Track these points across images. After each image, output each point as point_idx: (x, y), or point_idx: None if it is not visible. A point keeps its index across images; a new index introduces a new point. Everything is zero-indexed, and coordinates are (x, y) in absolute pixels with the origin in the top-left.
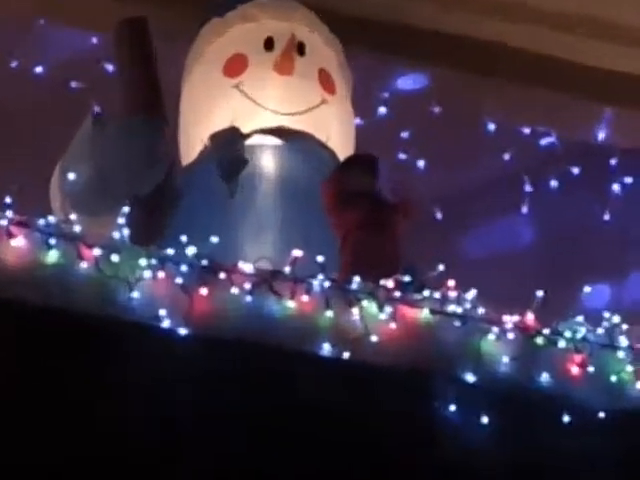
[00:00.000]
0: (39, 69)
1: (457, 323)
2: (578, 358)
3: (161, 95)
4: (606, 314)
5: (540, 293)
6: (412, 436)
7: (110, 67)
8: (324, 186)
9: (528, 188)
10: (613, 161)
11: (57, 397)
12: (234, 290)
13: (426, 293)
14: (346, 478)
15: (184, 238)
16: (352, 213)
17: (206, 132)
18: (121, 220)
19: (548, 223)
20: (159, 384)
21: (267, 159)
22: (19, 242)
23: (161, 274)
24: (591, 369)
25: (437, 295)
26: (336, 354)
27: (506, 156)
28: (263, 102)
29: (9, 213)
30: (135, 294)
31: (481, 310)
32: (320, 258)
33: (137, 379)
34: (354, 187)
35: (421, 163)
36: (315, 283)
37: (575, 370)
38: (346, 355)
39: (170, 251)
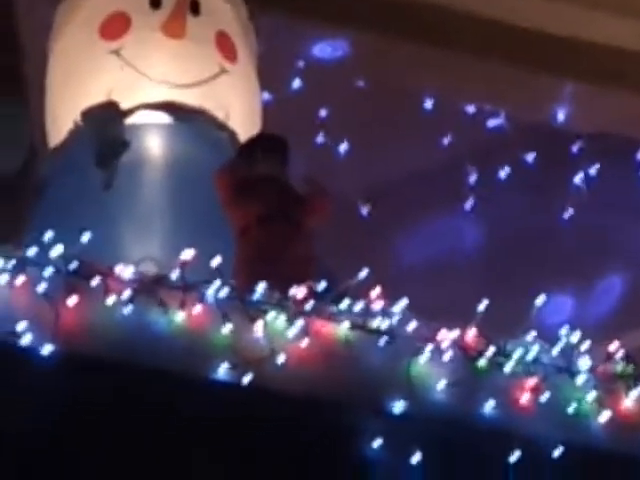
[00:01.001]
0: None
1: (383, 341)
2: (529, 383)
3: (21, 65)
4: (564, 331)
5: (484, 305)
6: (326, 479)
7: None
8: (219, 173)
9: (472, 179)
10: (575, 147)
11: None
12: (110, 300)
13: (345, 304)
14: None
15: (49, 236)
16: (253, 205)
17: (78, 108)
18: None
19: (496, 221)
20: (16, 414)
21: (152, 140)
22: None
23: (20, 280)
24: (545, 397)
25: (359, 307)
26: (234, 379)
27: (446, 140)
28: (148, 71)
29: None
30: None
31: (412, 325)
32: (216, 260)
33: None
34: (256, 174)
35: (343, 147)
36: (210, 292)
37: (526, 398)
38: (246, 380)
39: (32, 251)
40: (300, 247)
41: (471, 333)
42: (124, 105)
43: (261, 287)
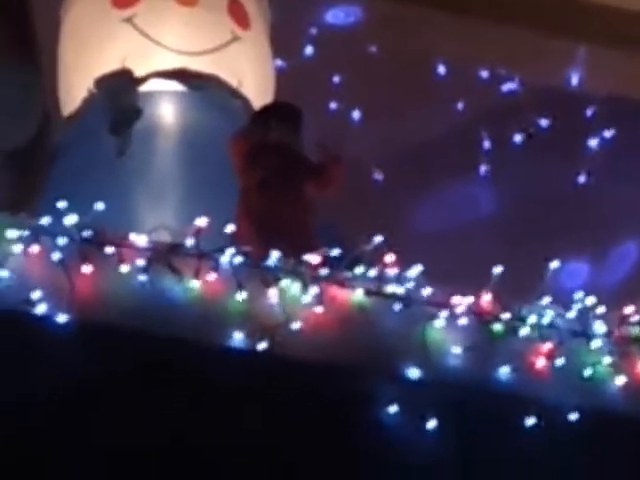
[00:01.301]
0: None
1: (398, 307)
2: (545, 348)
3: (34, 33)
4: (579, 295)
5: (499, 270)
6: (342, 446)
7: None
8: (233, 141)
9: (487, 144)
10: (589, 111)
11: None
12: (124, 268)
13: (360, 270)
14: None
15: (63, 204)
16: (256, 169)
17: (91, 76)
18: None
19: (510, 187)
20: (32, 383)
21: (166, 108)
22: None
23: (35, 249)
24: (560, 361)
25: (373, 273)
26: (249, 345)
27: (460, 105)
28: (161, 38)
29: None
30: (3, 273)
31: (427, 291)
32: (230, 228)
33: (6, 376)
34: (269, 141)
35: (356, 114)
36: (224, 259)
37: (541, 363)
38: (262, 347)
39: (46, 220)
40: (295, 214)
41: (486, 298)
42: (137, 73)
43: (275, 254)
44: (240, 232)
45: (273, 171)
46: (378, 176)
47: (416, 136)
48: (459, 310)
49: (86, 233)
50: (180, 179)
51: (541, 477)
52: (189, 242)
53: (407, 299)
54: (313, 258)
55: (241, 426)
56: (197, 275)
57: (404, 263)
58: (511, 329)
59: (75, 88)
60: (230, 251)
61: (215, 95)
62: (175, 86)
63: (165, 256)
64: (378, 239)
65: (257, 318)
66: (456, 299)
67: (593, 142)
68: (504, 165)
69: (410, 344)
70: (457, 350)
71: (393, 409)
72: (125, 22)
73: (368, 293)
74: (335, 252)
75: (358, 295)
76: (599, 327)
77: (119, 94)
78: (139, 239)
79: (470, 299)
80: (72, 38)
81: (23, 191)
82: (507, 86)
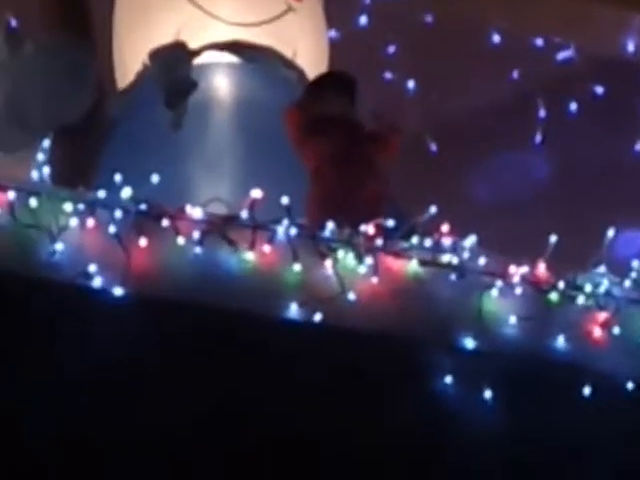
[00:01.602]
0: None
1: (453, 277)
2: (601, 317)
3: (88, 7)
4: (635, 263)
5: (554, 239)
6: (401, 416)
7: None
8: (288, 112)
9: (542, 113)
10: None
11: None
12: (180, 240)
13: (415, 240)
14: (321, 468)
15: (118, 178)
16: (322, 144)
17: (145, 48)
18: (40, 156)
19: (566, 155)
20: (91, 355)
21: (220, 80)
22: None
23: (90, 222)
24: (617, 330)
25: (428, 243)
26: (306, 316)
27: (515, 74)
28: (215, 10)
29: None
30: (58, 246)
31: (482, 260)
32: (285, 199)
33: (64, 350)
34: (325, 112)
35: (411, 84)
36: (279, 230)
37: (598, 332)
38: (318, 318)
39: (101, 194)
40: (372, 186)
41: (541, 267)
42: (192, 45)
43: (330, 225)
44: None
45: (343, 144)
46: (433, 146)
47: (471, 106)
48: (514, 279)
49: (142, 206)
50: (235, 151)
51: (597, 447)
52: (244, 214)
53: (462, 269)
54: (368, 229)
55: (297, 396)
56: (252, 247)
57: (459, 233)
58: (567, 298)
59: (129, 61)
60: (285, 222)
61: (270, 66)
62: (229, 58)
63: (220, 228)
64: (433, 209)
65: (313, 289)
66: (511, 268)
67: None
68: (559, 134)
69: (465, 314)
70: (513, 320)
71: (449, 379)
72: None
73: (423, 263)
74: (390, 222)
75: (413, 265)
76: None
77: (174, 67)
78: (194, 211)
79: (525, 268)
80: (125, 11)
81: (79, 165)
82: (562, 54)
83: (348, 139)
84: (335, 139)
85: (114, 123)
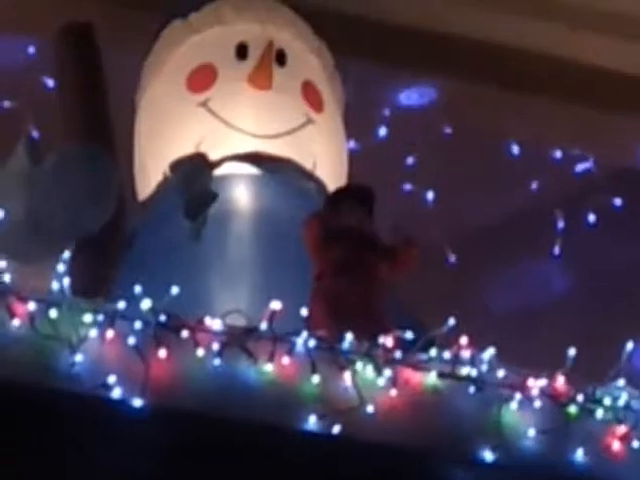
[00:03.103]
0: None
1: (472, 389)
2: (621, 430)
3: (110, 118)
4: None
5: (572, 351)
6: None
7: (50, 82)
8: (307, 223)
9: (561, 224)
10: None
11: None
12: (199, 352)
13: (434, 353)
14: None
15: (138, 289)
16: (330, 253)
17: (166, 160)
18: (61, 267)
19: (585, 267)
20: (108, 468)
21: (240, 192)
22: None
23: (110, 333)
24: (636, 444)
25: (447, 355)
26: (324, 429)
27: (534, 185)
28: (235, 122)
29: None
30: (78, 358)
31: (501, 373)
32: (304, 311)
33: (82, 462)
34: (342, 224)
35: (430, 195)
36: (299, 342)
37: (617, 445)
38: (336, 430)
39: (121, 305)
40: (370, 297)
41: (560, 380)
42: (212, 157)
43: (349, 336)
44: (313, 316)
45: (347, 254)
46: (451, 257)
47: (489, 217)
48: (533, 392)
49: (161, 317)
50: (255, 262)
51: None
52: (263, 325)
53: (481, 381)
54: (387, 340)
55: None
56: (271, 358)
57: (478, 345)
58: (586, 411)
59: (150, 172)
60: (304, 334)
61: (290, 178)
62: (249, 169)
63: (240, 339)
64: (451, 321)
65: (331, 401)
66: (530, 381)
67: None
68: (578, 245)
69: (485, 427)
70: (532, 433)
71: None
72: (200, 106)
73: (442, 376)
74: (408, 334)
75: (432, 378)
76: None
77: (194, 178)
78: (214, 323)
79: (544, 381)
80: (147, 123)
81: (98, 276)
82: (581, 166)
83: (358, 249)
84: (342, 248)
85: (134, 234)
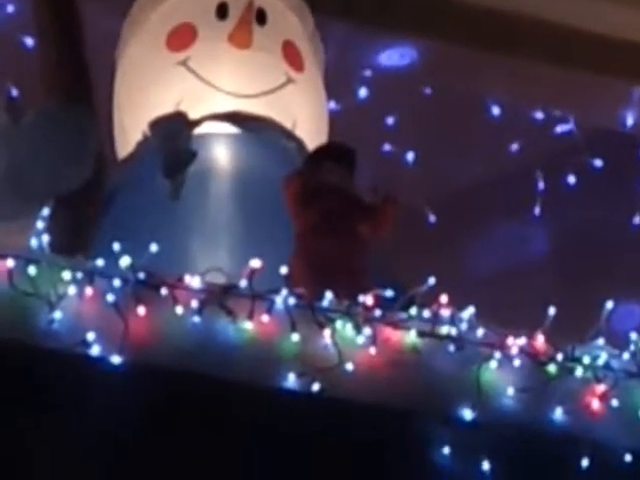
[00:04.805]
0: None
1: (451, 348)
2: (599, 389)
3: (89, 76)
4: (633, 336)
5: (552, 311)
6: None
7: (29, 40)
8: (286, 181)
9: (541, 185)
10: None
11: None
12: (178, 309)
13: (414, 311)
14: None
15: (117, 246)
16: (311, 213)
17: (146, 119)
18: (40, 225)
19: (565, 227)
20: (87, 424)
21: (220, 151)
22: None
23: (89, 290)
24: (615, 402)
25: (427, 314)
26: (303, 387)
27: (514, 146)
28: (215, 81)
29: None
30: (57, 315)
31: (481, 332)
32: (284, 269)
33: (60, 419)
34: (323, 183)
35: (410, 155)
36: (278, 300)
37: (596, 404)
38: (315, 388)
39: (100, 262)
40: (349, 257)
41: (540, 339)
42: (192, 116)
43: (329, 295)
44: (294, 275)
45: (327, 213)
46: (431, 218)
47: (470, 178)
48: (513, 351)
49: (140, 275)
50: (234, 221)
51: None
52: (243, 283)
53: (460, 340)
54: (367, 299)
55: (295, 468)
56: (251, 316)
57: (458, 304)
58: (565, 370)
59: (129, 131)
60: (284, 292)
61: (269, 137)
62: (229, 128)
63: (219, 297)
64: (431, 281)
65: (311, 359)
66: (510, 340)
67: None
68: (558, 206)
69: (464, 385)
70: (511, 391)
71: (446, 451)
72: (179, 65)
73: (421, 334)
74: (388, 293)
75: (411, 336)
76: None
77: (173, 137)
78: (193, 281)
79: (524, 340)
80: (126, 81)
81: (77, 234)
82: (561, 127)
83: (339, 208)
84: (323, 208)
85: (113, 192)
